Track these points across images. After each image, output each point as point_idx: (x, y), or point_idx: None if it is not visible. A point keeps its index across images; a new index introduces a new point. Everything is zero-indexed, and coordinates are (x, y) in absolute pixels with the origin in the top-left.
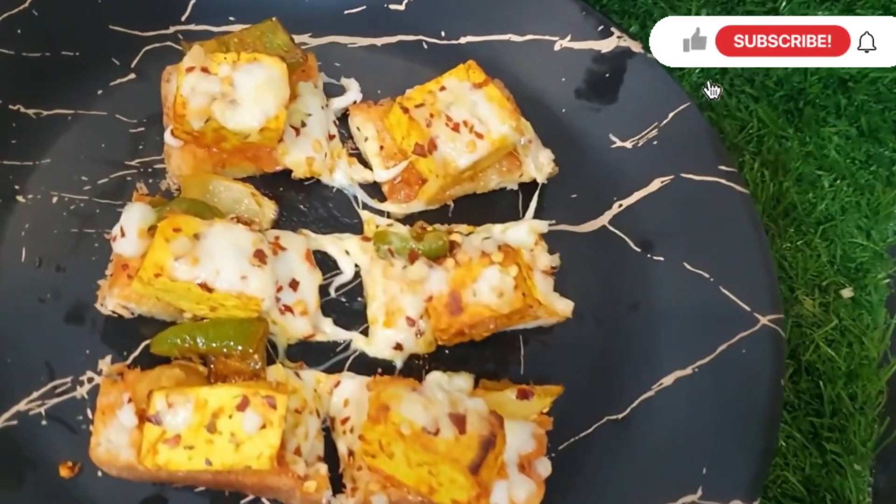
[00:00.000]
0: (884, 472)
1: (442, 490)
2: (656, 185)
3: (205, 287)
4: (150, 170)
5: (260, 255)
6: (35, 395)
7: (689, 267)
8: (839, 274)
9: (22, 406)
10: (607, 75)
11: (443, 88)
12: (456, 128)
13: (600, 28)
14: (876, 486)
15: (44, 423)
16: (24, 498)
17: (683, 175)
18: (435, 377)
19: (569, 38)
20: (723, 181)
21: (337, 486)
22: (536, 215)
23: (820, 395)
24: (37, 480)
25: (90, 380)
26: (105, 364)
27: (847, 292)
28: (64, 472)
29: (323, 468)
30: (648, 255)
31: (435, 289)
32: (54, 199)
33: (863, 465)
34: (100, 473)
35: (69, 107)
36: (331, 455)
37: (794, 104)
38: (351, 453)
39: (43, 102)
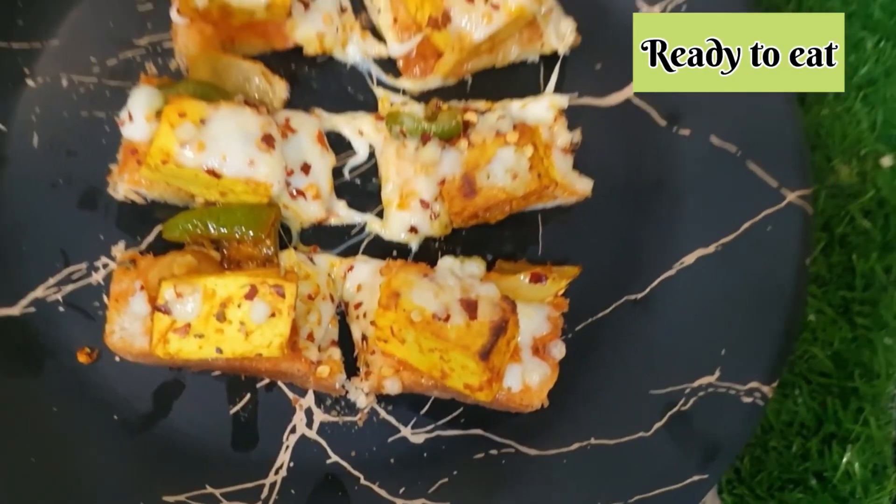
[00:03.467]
0: None
1: (454, 375)
2: None
3: (212, 173)
4: (158, 49)
5: (268, 140)
6: (51, 281)
7: (715, 140)
8: (879, 141)
9: (39, 292)
10: None
11: None
12: None
13: None
14: None
15: (61, 309)
16: (43, 385)
17: None
18: (447, 263)
19: None
20: None
21: (352, 369)
22: (558, 88)
23: (852, 269)
24: (56, 367)
25: (105, 265)
26: (118, 250)
27: (887, 160)
28: (82, 358)
29: (337, 353)
30: (674, 129)
31: (448, 171)
32: (64, 82)
33: (894, 339)
34: (117, 359)
35: None
36: (346, 339)
37: None
38: (364, 338)
39: None
